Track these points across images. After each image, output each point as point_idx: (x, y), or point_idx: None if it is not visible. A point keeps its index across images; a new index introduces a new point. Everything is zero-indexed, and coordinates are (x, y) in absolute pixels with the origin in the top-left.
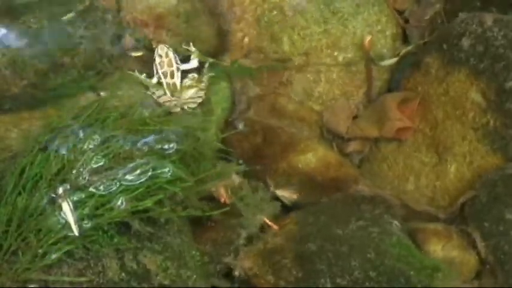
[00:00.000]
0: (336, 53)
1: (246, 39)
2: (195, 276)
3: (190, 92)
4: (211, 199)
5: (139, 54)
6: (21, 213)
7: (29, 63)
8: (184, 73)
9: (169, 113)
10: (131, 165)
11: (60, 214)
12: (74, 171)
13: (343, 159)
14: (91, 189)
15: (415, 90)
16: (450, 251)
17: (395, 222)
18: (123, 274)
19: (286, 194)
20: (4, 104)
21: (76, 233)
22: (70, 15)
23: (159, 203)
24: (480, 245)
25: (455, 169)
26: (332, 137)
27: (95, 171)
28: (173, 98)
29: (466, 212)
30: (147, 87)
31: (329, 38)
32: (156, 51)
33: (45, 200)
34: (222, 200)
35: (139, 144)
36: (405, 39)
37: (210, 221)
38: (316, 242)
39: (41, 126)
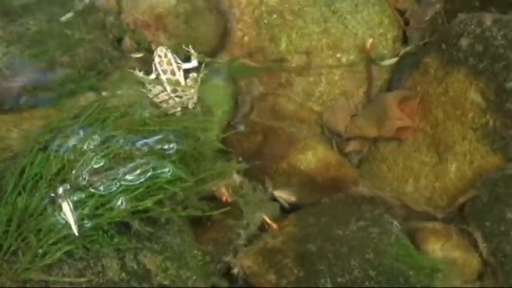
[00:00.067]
0: (338, 55)
1: (246, 38)
2: (194, 276)
3: (192, 91)
4: (212, 199)
5: (139, 55)
6: (21, 213)
7: (29, 63)
8: (185, 73)
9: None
10: (131, 165)
11: (60, 214)
12: (74, 171)
13: (343, 159)
14: (91, 189)
15: (414, 90)
16: (451, 252)
17: (396, 222)
18: (123, 274)
19: (284, 195)
20: (4, 104)
21: (76, 233)
22: (69, 15)
23: (159, 203)
24: (482, 245)
25: (456, 168)
26: (332, 137)
27: (95, 171)
28: (174, 95)
29: (466, 212)
30: (143, 84)
31: (329, 38)
32: (155, 52)
33: (45, 200)
34: (224, 198)
35: (139, 144)
36: (405, 41)
37: (210, 221)
38: (316, 243)
39: (41, 126)
